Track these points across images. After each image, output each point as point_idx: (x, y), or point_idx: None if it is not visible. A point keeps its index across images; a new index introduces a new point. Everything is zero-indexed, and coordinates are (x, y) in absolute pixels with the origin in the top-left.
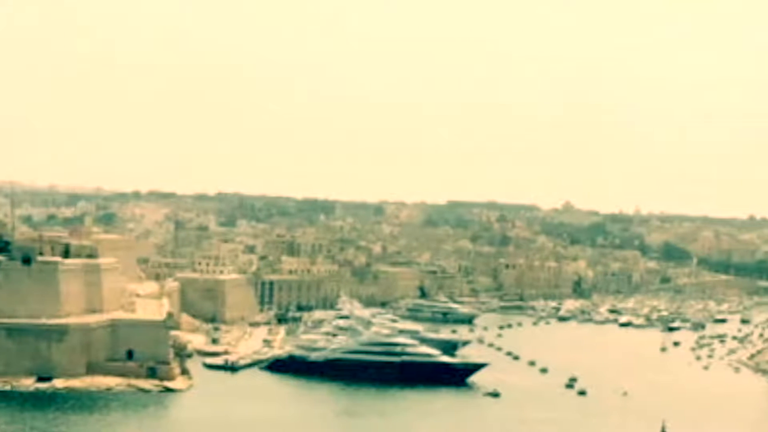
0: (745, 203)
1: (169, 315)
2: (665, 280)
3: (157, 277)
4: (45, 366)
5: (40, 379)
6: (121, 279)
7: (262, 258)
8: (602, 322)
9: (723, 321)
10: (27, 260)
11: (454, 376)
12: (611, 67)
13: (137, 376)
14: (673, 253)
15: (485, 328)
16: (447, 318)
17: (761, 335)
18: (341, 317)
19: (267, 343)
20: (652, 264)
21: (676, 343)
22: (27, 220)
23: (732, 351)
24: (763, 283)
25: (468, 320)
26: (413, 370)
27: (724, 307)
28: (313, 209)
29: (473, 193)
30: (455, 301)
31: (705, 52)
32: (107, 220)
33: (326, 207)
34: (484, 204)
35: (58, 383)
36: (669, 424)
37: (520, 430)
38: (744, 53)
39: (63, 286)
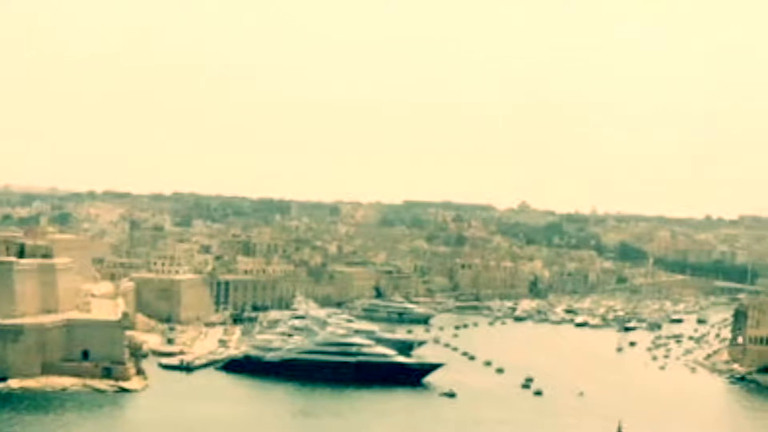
0: (702, 203)
1: (125, 315)
2: (621, 280)
3: (113, 277)
4: (0, 366)
5: None
6: (77, 279)
7: (218, 258)
8: (558, 322)
9: (679, 321)
10: None
11: (410, 377)
12: (567, 67)
13: (92, 376)
14: (629, 253)
15: (441, 328)
16: (403, 318)
17: (717, 335)
18: (297, 317)
19: (222, 343)
20: (608, 264)
21: (632, 344)
22: None
23: (688, 351)
24: (719, 283)
25: (424, 320)
26: (369, 370)
27: (681, 307)
28: (269, 209)
29: (429, 193)
30: (411, 301)
31: (660, 52)
32: (62, 220)
33: (282, 207)
34: (440, 204)
35: (13, 383)
36: (625, 424)
37: (476, 430)
38: (700, 53)
39: (18, 286)
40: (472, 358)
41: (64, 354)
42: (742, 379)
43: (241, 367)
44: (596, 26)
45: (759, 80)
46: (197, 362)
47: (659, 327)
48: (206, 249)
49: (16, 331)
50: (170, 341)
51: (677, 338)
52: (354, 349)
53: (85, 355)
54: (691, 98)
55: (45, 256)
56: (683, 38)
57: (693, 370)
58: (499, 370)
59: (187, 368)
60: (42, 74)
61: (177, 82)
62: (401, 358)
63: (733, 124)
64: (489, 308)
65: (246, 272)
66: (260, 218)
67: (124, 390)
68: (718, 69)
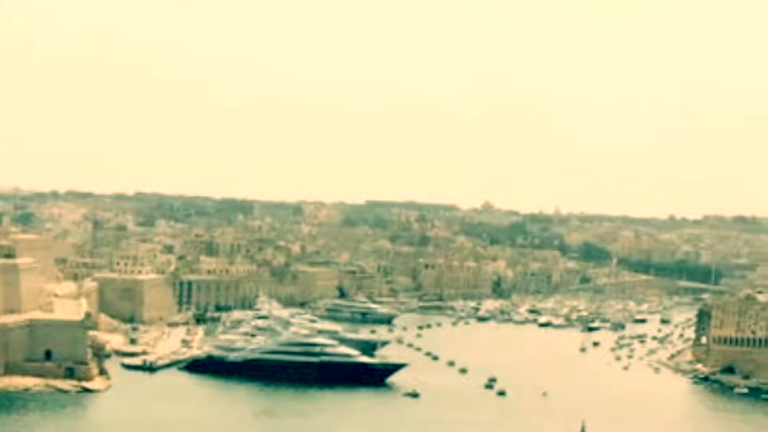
0: (665, 203)
1: (87, 315)
2: (585, 280)
3: (76, 277)
4: None
5: None
6: (39, 279)
7: (181, 258)
8: (522, 323)
9: (643, 321)
10: None
11: (374, 377)
12: (530, 66)
13: (55, 377)
14: (592, 253)
15: (404, 329)
16: (366, 318)
17: (681, 335)
18: (260, 317)
19: (185, 343)
20: (571, 264)
21: (595, 344)
22: None
23: (652, 351)
24: (683, 283)
25: (387, 320)
26: (332, 370)
27: (644, 307)
28: (232, 209)
29: (392, 193)
30: (374, 302)
31: (625, 52)
32: (25, 219)
33: (245, 207)
34: (403, 204)
35: None
36: (589, 424)
37: (440, 430)
38: (667, 54)
39: None
40: (435, 358)
41: (27, 354)
42: (705, 379)
43: (203, 367)
44: (560, 26)
45: (725, 81)
46: (160, 362)
47: (623, 327)
48: (169, 249)
49: None
50: (133, 341)
51: (641, 338)
52: (317, 349)
53: (48, 355)
54: (656, 99)
55: (7, 256)
56: (651, 39)
57: (657, 370)
58: (463, 370)
59: (149, 368)
60: (3, 74)
61: (140, 81)
62: (364, 358)
63: (696, 124)
64: (452, 308)
65: (209, 272)
66: (223, 218)
67: (86, 390)
68: (684, 70)
